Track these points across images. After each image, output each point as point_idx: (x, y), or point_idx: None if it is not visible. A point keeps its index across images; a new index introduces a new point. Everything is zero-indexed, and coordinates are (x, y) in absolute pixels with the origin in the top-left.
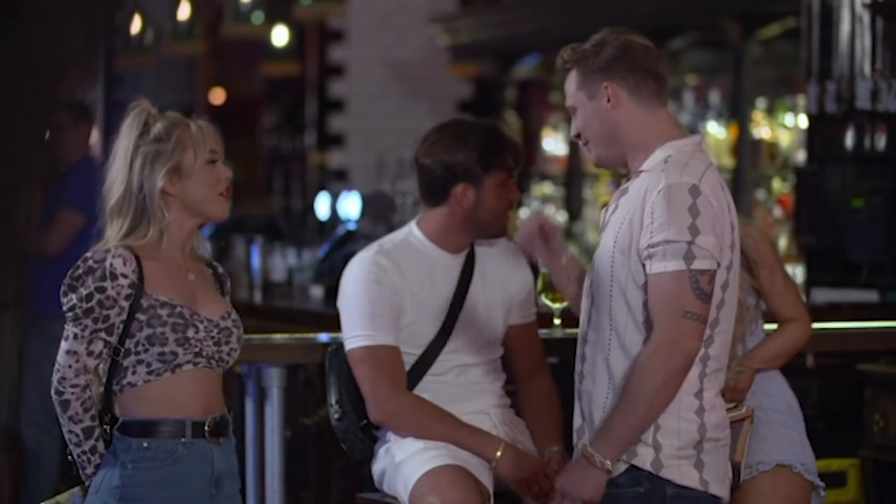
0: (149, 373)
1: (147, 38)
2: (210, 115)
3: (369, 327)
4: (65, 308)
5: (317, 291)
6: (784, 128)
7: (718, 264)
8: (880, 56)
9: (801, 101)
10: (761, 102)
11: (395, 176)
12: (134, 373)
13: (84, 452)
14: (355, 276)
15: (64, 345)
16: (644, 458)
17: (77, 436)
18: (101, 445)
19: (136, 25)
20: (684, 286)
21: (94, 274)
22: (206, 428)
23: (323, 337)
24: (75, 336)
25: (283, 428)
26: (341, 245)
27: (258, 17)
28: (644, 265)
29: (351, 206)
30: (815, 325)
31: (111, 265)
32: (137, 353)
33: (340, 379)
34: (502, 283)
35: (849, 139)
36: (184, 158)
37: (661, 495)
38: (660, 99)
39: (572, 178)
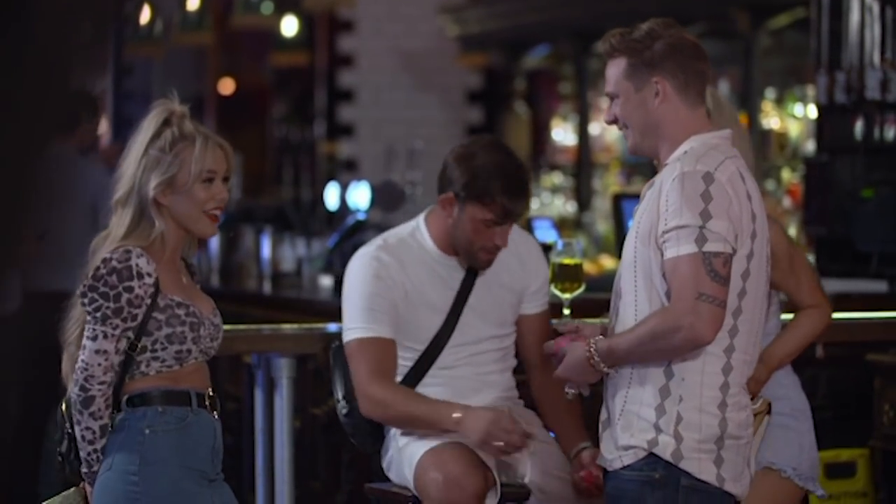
0: (160, 367)
1: (156, 28)
2: (219, 105)
3: (364, 320)
4: (89, 308)
5: (326, 281)
6: (793, 118)
7: (734, 250)
8: (890, 46)
9: (810, 91)
10: (771, 93)
11: (405, 166)
12: (147, 366)
13: (96, 450)
14: (356, 270)
15: (91, 344)
16: (664, 448)
17: (94, 433)
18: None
19: (145, 15)
20: (698, 268)
21: (120, 274)
22: (206, 400)
23: (332, 327)
24: (105, 335)
25: (293, 418)
26: (350, 235)
27: (267, 8)
28: (662, 252)
29: (360, 196)
30: None
31: (137, 264)
32: (154, 351)
33: (345, 373)
34: (512, 273)
35: (858, 129)
36: (179, 174)
37: (676, 484)
38: (702, 98)
39: (581, 168)
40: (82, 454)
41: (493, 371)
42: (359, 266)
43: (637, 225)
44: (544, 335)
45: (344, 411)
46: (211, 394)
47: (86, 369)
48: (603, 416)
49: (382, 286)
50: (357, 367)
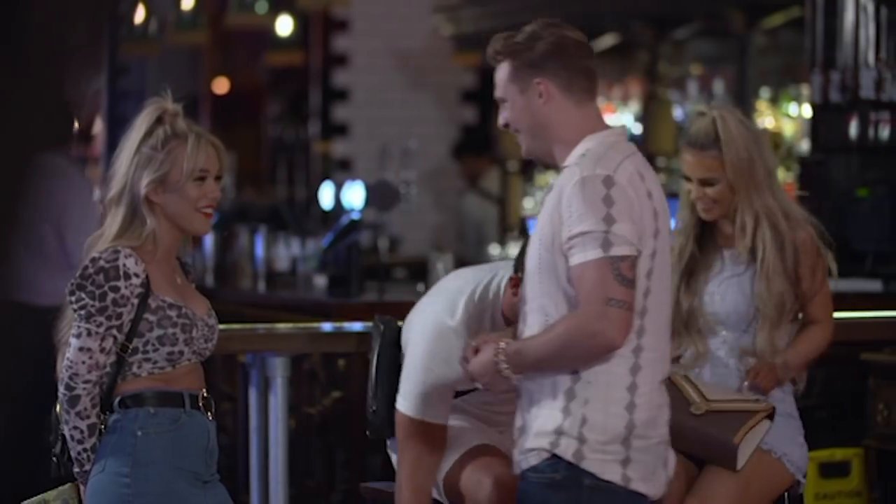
0: (152, 368)
1: (151, 27)
2: (214, 104)
3: (420, 398)
4: (75, 306)
5: (320, 281)
6: (788, 117)
7: (639, 251)
8: (884, 45)
9: (805, 90)
10: (765, 92)
11: (399, 165)
12: (139, 367)
13: (85, 450)
14: (426, 340)
15: (76, 342)
16: (566, 448)
17: (82, 432)
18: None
19: (140, 15)
20: (605, 273)
21: (107, 273)
22: (199, 400)
23: (326, 326)
24: (89, 333)
25: (287, 417)
26: (345, 234)
27: (262, 7)
28: (567, 259)
29: (355, 195)
30: None
31: (124, 265)
32: (146, 353)
33: (390, 370)
34: None
35: (853, 129)
36: (171, 172)
37: (579, 485)
38: (590, 94)
39: None
40: (73, 454)
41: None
42: (429, 337)
43: (540, 231)
44: None
45: (372, 408)
46: (205, 395)
47: (70, 367)
48: (518, 423)
49: (449, 371)
50: (404, 445)
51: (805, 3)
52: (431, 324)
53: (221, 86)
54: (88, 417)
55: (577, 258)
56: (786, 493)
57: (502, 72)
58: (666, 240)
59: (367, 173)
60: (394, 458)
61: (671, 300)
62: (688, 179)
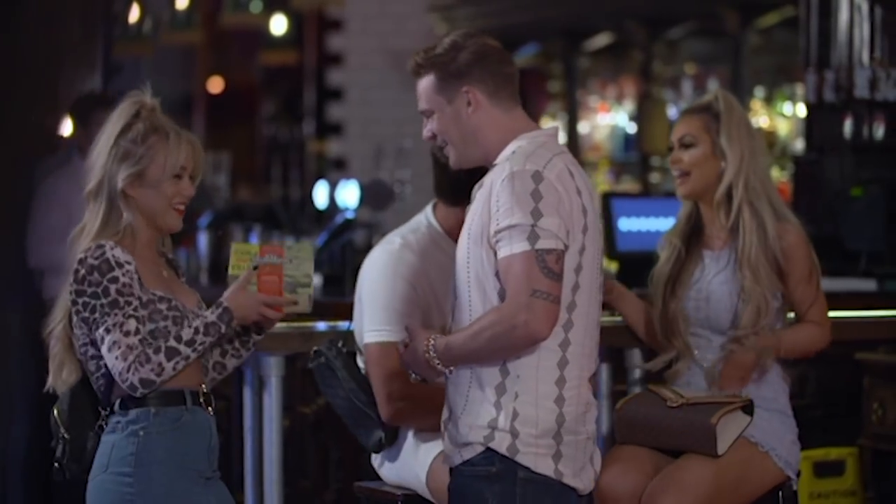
0: None
1: (145, 26)
2: (208, 103)
3: (390, 322)
4: (84, 313)
5: (315, 280)
6: (782, 116)
7: (566, 246)
8: (879, 45)
9: (799, 89)
10: (760, 91)
11: (394, 164)
12: None
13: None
14: (381, 268)
15: (104, 349)
16: (500, 442)
17: (188, 349)
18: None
19: (134, 14)
20: (532, 265)
21: (100, 269)
22: (200, 397)
23: (321, 326)
24: (108, 330)
25: (282, 417)
26: (339, 234)
27: (256, 6)
28: (495, 252)
29: (349, 194)
30: None
31: (113, 256)
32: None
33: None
34: None
35: (847, 128)
36: (150, 168)
37: (513, 477)
38: (515, 100)
39: None
40: (207, 339)
41: None
42: (385, 264)
43: (469, 226)
44: None
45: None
46: (205, 390)
47: (114, 370)
48: (445, 414)
49: (407, 289)
50: (379, 372)
51: (799, 3)
52: (379, 258)
53: (216, 85)
54: (169, 353)
55: (504, 251)
56: (779, 492)
57: (426, 84)
58: (595, 237)
59: (361, 172)
60: (384, 471)
61: (599, 299)
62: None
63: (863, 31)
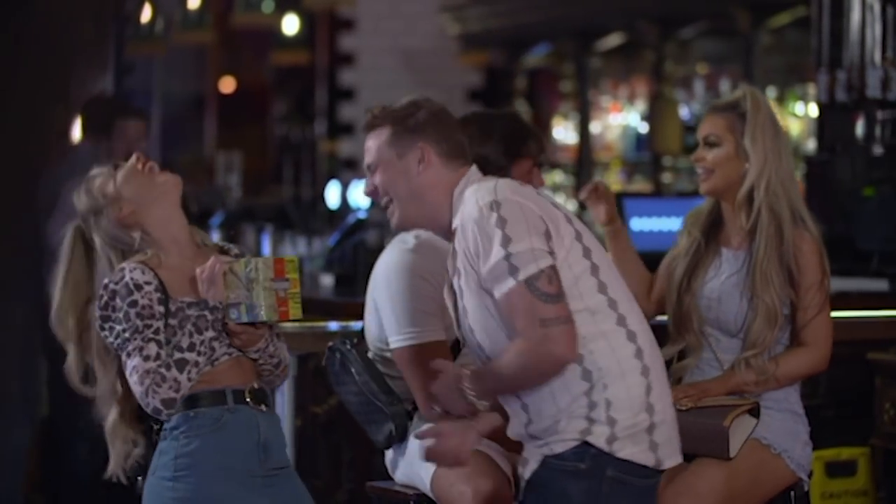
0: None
1: (157, 26)
2: (219, 103)
3: (415, 323)
4: (111, 339)
5: (327, 280)
6: (794, 116)
7: (551, 252)
8: (891, 45)
9: (811, 89)
10: (771, 91)
11: None
12: None
13: (199, 342)
14: (398, 270)
15: (127, 372)
16: (599, 435)
17: (185, 361)
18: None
19: (146, 14)
20: (527, 298)
21: (120, 294)
22: (246, 395)
23: (333, 325)
24: (129, 355)
25: (294, 417)
26: (351, 234)
27: (268, 6)
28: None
29: (361, 194)
30: None
31: (132, 279)
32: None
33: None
34: None
35: (859, 128)
36: (123, 190)
37: (601, 475)
38: (466, 161)
39: (582, 166)
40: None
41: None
42: (400, 266)
43: (469, 295)
44: None
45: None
46: (256, 387)
47: (138, 396)
48: (522, 416)
49: (427, 287)
50: (416, 374)
51: (811, 3)
52: (394, 259)
53: (227, 85)
54: (179, 364)
55: (497, 293)
56: (791, 493)
57: (379, 137)
58: (579, 221)
59: None
60: (397, 473)
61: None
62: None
63: (875, 30)
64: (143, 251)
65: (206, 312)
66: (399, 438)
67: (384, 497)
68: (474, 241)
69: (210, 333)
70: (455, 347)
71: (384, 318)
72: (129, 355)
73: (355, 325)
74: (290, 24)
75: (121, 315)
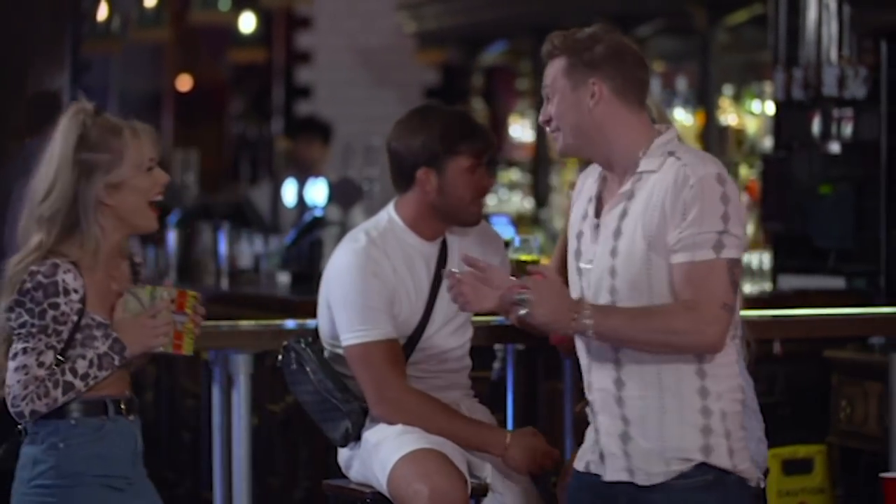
0: None
1: (114, 24)
2: (176, 101)
3: (367, 321)
4: (13, 324)
5: (284, 278)
6: (751, 114)
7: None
8: (847, 43)
9: (767, 87)
10: (728, 89)
11: (362, 162)
12: None
13: (93, 376)
14: (350, 269)
15: (12, 363)
16: (719, 452)
17: (77, 382)
18: (82, 365)
19: (102, 12)
20: (723, 276)
21: (46, 290)
22: (122, 405)
23: (290, 324)
24: (25, 351)
25: (250, 415)
26: (308, 232)
27: (225, 4)
28: (674, 259)
29: (318, 192)
30: (782, 312)
31: (63, 280)
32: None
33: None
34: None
35: (816, 126)
36: (121, 171)
37: (729, 481)
38: (641, 105)
39: (539, 164)
40: (80, 384)
41: (455, 368)
42: (351, 264)
43: (646, 237)
44: None
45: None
46: (128, 396)
47: (9, 391)
48: (619, 428)
49: (377, 284)
50: (367, 372)
51: (768, 1)
52: (345, 258)
53: (184, 83)
54: (56, 400)
55: (686, 257)
56: None
57: (556, 66)
58: None
59: (329, 171)
60: (352, 472)
61: None
62: None
63: (831, 29)
64: (78, 243)
65: (107, 337)
66: (356, 436)
67: (341, 495)
68: (690, 199)
69: (100, 348)
70: (407, 346)
71: (336, 316)
72: (24, 351)
73: (312, 323)
74: (247, 22)
75: (36, 310)
